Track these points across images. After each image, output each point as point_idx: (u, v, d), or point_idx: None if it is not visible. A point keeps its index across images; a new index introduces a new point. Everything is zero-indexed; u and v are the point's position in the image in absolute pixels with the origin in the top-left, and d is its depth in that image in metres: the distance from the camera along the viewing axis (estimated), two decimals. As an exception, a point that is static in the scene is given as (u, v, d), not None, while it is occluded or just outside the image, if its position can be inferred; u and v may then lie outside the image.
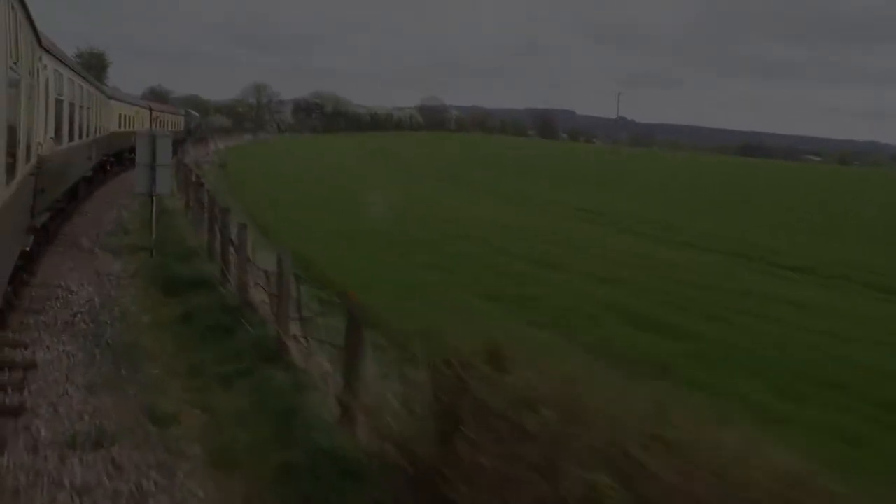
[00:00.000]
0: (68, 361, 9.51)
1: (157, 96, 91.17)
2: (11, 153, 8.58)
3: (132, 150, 46.13)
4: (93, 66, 72.80)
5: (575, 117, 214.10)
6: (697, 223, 36.76)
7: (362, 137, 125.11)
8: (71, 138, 19.04)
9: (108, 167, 34.35)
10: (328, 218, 27.87)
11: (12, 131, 8.62)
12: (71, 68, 19.22)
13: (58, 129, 16.58)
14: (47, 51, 14.22)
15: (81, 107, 21.43)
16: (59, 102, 16.61)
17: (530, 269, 19.56)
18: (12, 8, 8.44)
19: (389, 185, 46.20)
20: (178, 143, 65.02)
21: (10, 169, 8.48)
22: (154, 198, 17.94)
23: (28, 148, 11.05)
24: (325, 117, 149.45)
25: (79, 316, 11.63)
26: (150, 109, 53.05)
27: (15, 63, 8.73)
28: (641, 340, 13.40)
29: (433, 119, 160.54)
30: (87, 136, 23.36)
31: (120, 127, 37.45)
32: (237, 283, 12.25)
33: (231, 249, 13.35)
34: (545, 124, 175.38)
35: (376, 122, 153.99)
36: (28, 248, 12.64)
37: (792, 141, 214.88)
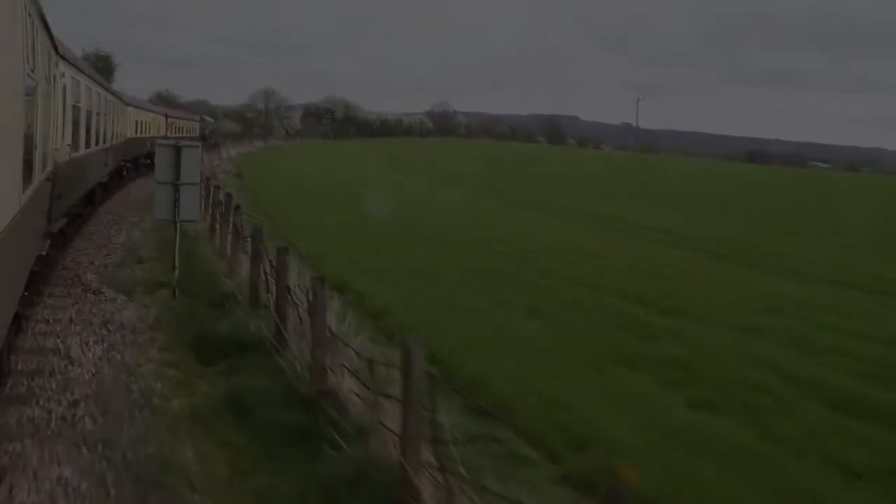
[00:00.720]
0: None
1: (164, 101, 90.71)
2: (28, 159, 8.47)
3: (148, 155, 46.26)
4: (99, 69, 72.34)
5: (580, 123, 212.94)
6: (788, 245, 32.39)
7: (378, 144, 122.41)
8: (87, 145, 18.97)
9: (125, 173, 34.34)
10: (387, 248, 23.31)
11: (29, 138, 8.53)
12: (88, 75, 19.15)
13: (75, 136, 16.51)
14: (64, 58, 14.23)
15: (98, 113, 21.34)
16: (76, 109, 16.54)
17: (651, 316, 15.62)
18: (29, 15, 8.35)
19: (439, 204, 42.01)
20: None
21: (27, 175, 8.38)
22: (178, 225, 13.93)
23: (44, 154, 11.00)
24: (336, 123, 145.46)
25: (81, 405, 7.94)
26: (166, 116, 52.69)
27: (32, 70, 8.64)
28: (863, 435, 9.61)
29: (442, 125, 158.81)
30: (104, 142, 23.25)
31: (136, 133, 37.32)
32: (311, 362, 8.24)
33: (288, 296, 9.95)
34: (554, 131, 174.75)
35: (386, 128, 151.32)
36: (44, 253, 12.58)
37: (795, 147, 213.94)
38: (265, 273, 11.77)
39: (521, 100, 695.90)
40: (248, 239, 14.14)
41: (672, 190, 65.75)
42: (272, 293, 11.17)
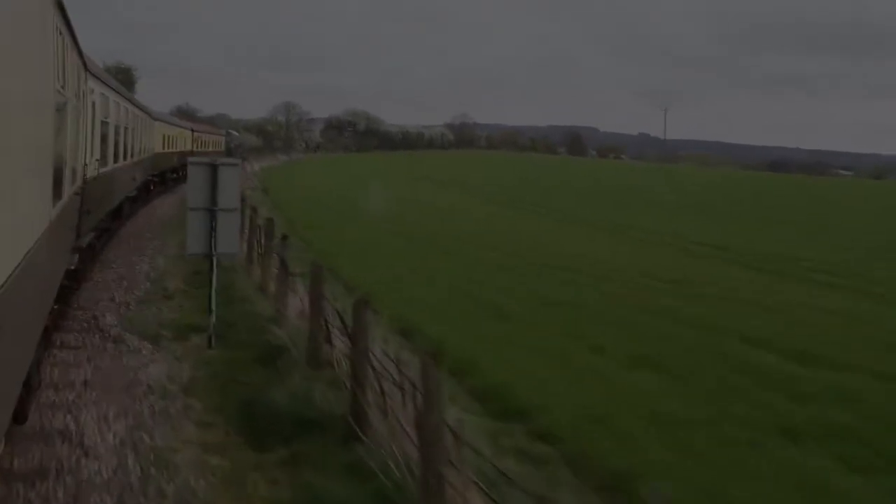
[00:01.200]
0: None
1: (184, 115, 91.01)
2: (58, 175, 8.45)
3: (174, 170, 46.77)
4: (120, 82, 71.65)
5: (598, 134, 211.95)
6: (856, 260, 29.75)
7: (401, 157, 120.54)
8: (116, 160, 18.93)
9: (152, 187, 34.46)
10: (440, 275, 20.51)
11: (58, 154, 8.50)
12: (116, 91, 19.21)
13: (103, 151, 16.51)
14: (94, 75, 14.28)
15: (126, 129, 21.34)
16: (104, 124, 16.55)
17: (785, 364, 12.68)
18: (60, 33, 8.36)
19: (481, 221, 38.51)
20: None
21: (57, 190, 8.35)
22: (214, 260, 11.49)
23: (74, 170, 10.99)
24: (357, 136, 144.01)
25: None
26: (192, 130, 52.52)
27: (62, 86, 8.64)
28: None
29: (463, 137, 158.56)
30: (132, 157, 23.27)
31: (163, 148, 37.24)
32: (419, 470, 5.55)
33: (369, 367, 7.26)
34: (574, 142, 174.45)
35: (408, 141, 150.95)
36: (73, 268, 12.57)
37: (816, 155, 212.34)
38: (327, 323, 9.31)
39: (540, 111, 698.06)
40: (297, 275, 12.23)
41: (711, 202, 62.95)
42: (334, 345, 9.05)
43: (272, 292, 13.73)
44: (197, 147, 52.92)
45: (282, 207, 36.48)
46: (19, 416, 7.09)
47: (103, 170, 16.30)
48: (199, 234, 11.03)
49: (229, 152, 66.69)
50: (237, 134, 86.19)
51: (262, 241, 16.20)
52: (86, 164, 13.23)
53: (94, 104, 14.49)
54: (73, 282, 13.29)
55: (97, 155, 15.22)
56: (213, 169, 11.01)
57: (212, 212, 10.90)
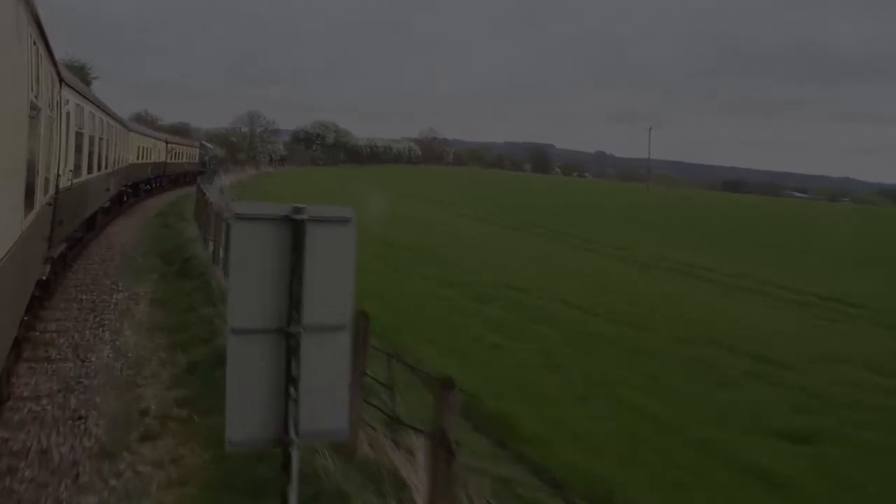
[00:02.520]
0: None
1: (143, 123, 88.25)
2: (30, 185, 8.17)
3: (148, 181, 46.24)
4: None
5: (554, 151, 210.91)
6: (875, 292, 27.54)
7: (376, 172, 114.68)
8: (90, 170, 18.52)
9: (125, 198, 33.78)
10: (592, 377, 14.22)
11: (31, 164, 8.23)
12: (92, 102, 18.79)
13: (77, 161, 16.10)
14: (69, 85, 13.93)
15: (101, 139, 20.89)
16: (79, 135, 16.16)
17: None
18: (34, 43, 8.10)
19: (550, 264, 31.53)
20: (194, 176, 64.75)
21: (29, 200, 8.07)
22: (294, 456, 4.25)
23: (47, 180, 10.65)
24: (325, 149, 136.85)
25: None
26: (167, 142, 51.73)
27: (36, 96, 8.36)
28: None
29: (431, 152, 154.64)
30: (106, 167, 22.78)
31: (138, 158, 36.75)
32: None
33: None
34: (539, 159, 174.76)
35: (375, 155, 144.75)
36: (45, 278, 12.24)
37: (768, 176, 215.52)
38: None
39: (497, 128, 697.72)
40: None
41: (718, 226, 60.34)
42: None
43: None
44: (171, 158, 52.22)
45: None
46: None
47: (77, 180, 15.89)
48: (257, 399, 4.25)
49: (204, 165, 65.70)
50: (212, 147, 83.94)
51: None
52: (59, 175, 12.86)
53: (69, 114, 14.13)
54: (44, 292, 12.93)
55: (71, 165, 14.84)
56: (297, 227, 4.21)
57: (292, 338, 4.24)
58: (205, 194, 24.84)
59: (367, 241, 28.38)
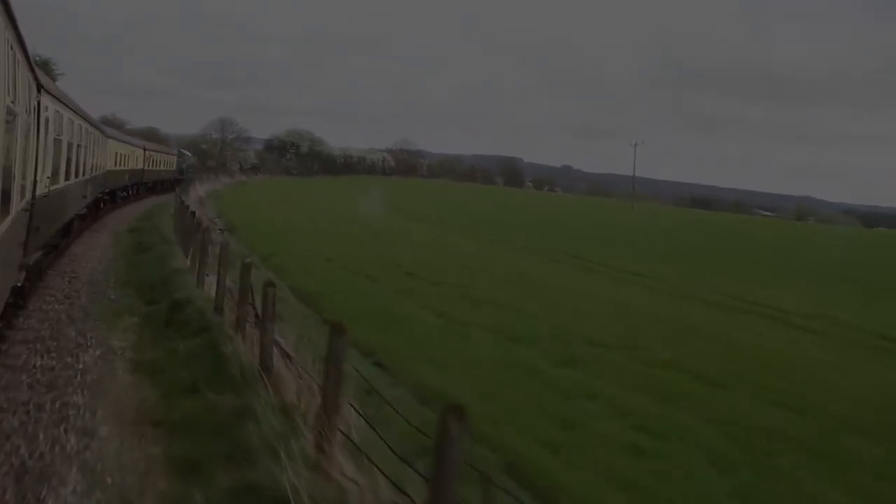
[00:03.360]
0: None
1: (111, 126, 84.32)
2: (5, 191, 7.88)
3: (125, 188, 45.49)
4: None
5: (522, 164, 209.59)
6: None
7: (355, 183, 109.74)
8: (67, 177, 18.11)
9: (102, 205, 33.15)
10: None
11: (7, 169, 7.93)
12: (71, 108, 18.37)
13: (55, 168, 15.70)
14: (48, 91, 13.61)
15: (79, 146, 20.45)
16: (57, 141, 15.77)
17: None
18: (11, 48, 7.85)
19: (562, 288, 28.09)
20: (171, 184, 63.87)
21: (4, 207, 7.76)
22: None
23: (23, 186, 10.33)
24: (300, 158, 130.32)
25: None
26: (144, 149, 51.19)
27: (12, 101, 8.08)
28: None
29: (404, 163, 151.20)
30: (84, 174, 22.30)
31: (115, 165, 36.14)
32: None
33: None
34: (511, 172, 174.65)
35: (349, 165, 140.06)
36: (20, 284, 11.90)
37: (732, 194, 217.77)
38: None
39: (467, 141, 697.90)
40: None
41: (756, 253, 56.43)
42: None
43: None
44: (148, 166, 51.51)
45: (286, 273, 23.75)
46: None
47: (55, 187, 15.52)
48: None
49: (181, 173, 64.87)
50: (190, 154, 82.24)
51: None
52: (36, 181, 12.49)
53: (47, 120, 13.75)
54: (18, 298, 12.56)
55: (49, 172, 14.46)
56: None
57: None
58: (191, 211, 22.12)
59: (403, 276, 25.61)
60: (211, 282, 14.37)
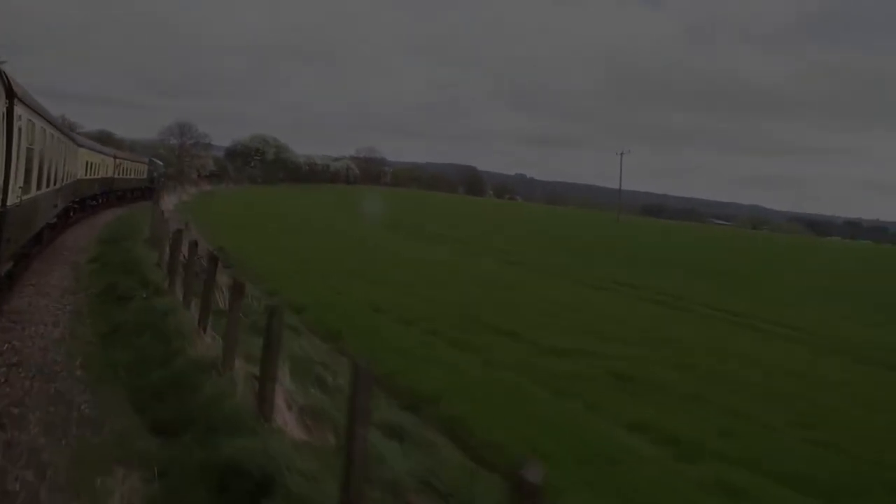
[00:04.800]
0: None
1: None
2: None
3: (95, 196, 44.15)
4: None
5: (476, 172, 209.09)
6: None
7: (329, 192, 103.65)
8: (39, 187, 17.31)
9: (72, 213, 32.06)
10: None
11: None
12: (44, 117, 17.59)
13: (27, 178, 14.99)
14: (21, 100, 12.95)
15: (52, 155, 19.67)
16: (29, 150, 15.05)
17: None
18: None
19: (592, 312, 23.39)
20: (142, 192, 62.20)
21: None
22: None
23: None
24: (265, 165, 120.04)
25: None
26: (115, 157, 49.64)
27: None
28: None
29: (368, 172, 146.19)
30: (55, 183, 21.45)
31: (86, 174, 35.09)
32: None
33: None
34: (473, 181, 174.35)
35: (314, 173, 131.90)
36: None
37: (685, 203, 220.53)
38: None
39: (419, 149, 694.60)
40: None
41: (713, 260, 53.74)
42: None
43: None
44: (119, 174, 50.22)
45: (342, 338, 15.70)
46: None
47: (26, 197, 14.80)
48: None
49: (152, 181, 63.43)
50: (161, 163, 79.87)
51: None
52: (8, 191, 11.84)
53: (20, 130, 13.04)
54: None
55: (21, 182, 13.74)
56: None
57: None
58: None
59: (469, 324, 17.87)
60: (243, 371, 8.96)
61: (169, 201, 44.61)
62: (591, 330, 19.54)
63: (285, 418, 7.69)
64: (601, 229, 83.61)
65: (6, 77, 11.85)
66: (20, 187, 13.93)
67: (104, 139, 78.84)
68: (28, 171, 15.16)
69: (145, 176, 63.82)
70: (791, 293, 36.41)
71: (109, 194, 47.27)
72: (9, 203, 12.28)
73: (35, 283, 17.03)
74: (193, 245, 15.05)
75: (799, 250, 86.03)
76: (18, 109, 12.84)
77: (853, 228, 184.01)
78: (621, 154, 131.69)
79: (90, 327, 13.23)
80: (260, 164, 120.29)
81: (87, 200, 37.42)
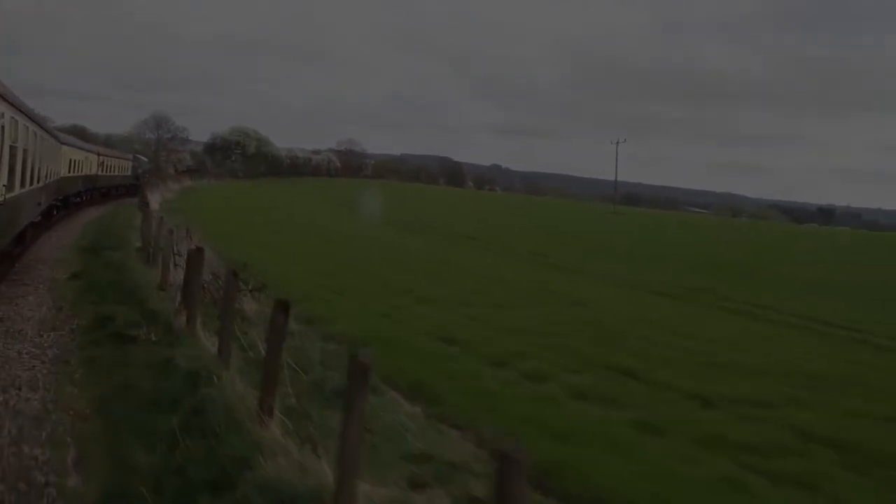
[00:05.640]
0: None
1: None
2: None
3: (78, 194, 43.22)
4: None
5: (451, 163, 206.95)
6: None
7: (318, 187, 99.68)
8: (23, 185, 16.77)
9: (55, 212, 31.20)
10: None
11: None
12: (27, 115, 17.00)
13: (10, 176, 14.46)
14: (5, 99, 12.51)
15: (35, 153, 19.05)
16: (13, 149, 14.53)
17: None
18: None
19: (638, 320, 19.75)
20: (126, 189, 61.06)
21: None
22: None
23: None
24: (246, 159, 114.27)
25: None
26: (98, 154, 48.53)
27: None
28: None
29: (349, 164, 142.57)
30: (39, 181, 20.82)
31: (69, 172, 34.20)
32: None
33: None
34: (453, 173, 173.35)
35: (295, 166, 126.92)
36: None
37: (659, 191, 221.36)
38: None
39: (396, 140, 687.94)
40: None
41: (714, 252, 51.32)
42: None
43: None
44: (102, 171, 49.19)
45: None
46: None
47: (10, 195, 14.30)
48: None
49: (137, 178, 62.28)
50: (146, 159, 77.70)
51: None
52: None
53: (3, 128, 12.53)
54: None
55: (4, 180, 13.23)
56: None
57: None
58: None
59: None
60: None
61: (153, 200, 39.58)
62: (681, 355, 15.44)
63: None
64: (608, 226, 76.66)
65: None
66: (3, 185, 13.51)
67: (77, 134, 73.17)
68: (11, 169, 14.74)
69: (129, 173, 62.71)
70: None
71: (93, 191, 46.30)
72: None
73: (3, 314, 12.82)
74: (198, 257, 11.61)
75: (805, 239, 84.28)
76: (1, 107, 12.39)
77: (826, 215, 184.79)
78: (616, 143, 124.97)
79: (83, 389, 8.96)
80: (241, 157, 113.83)
81: (70, 198, 36.56)
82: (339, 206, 68.15)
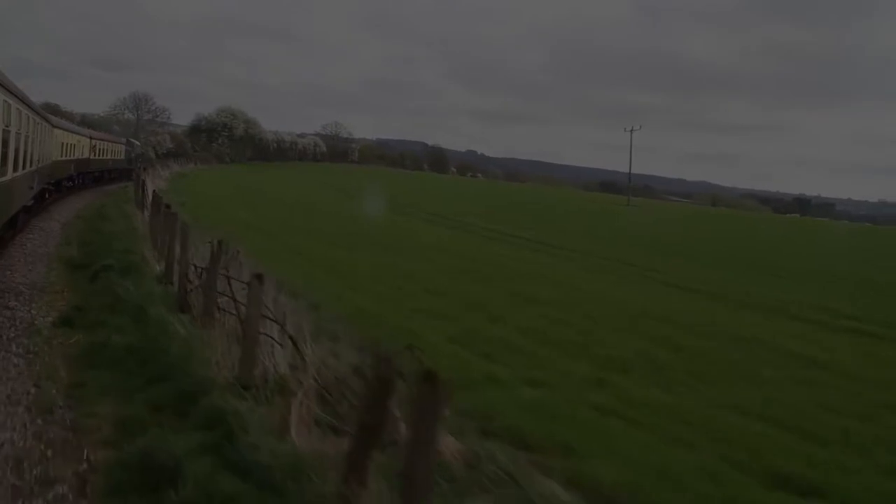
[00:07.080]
0: None
1: None
2: None
3: (70, 178, 42.01)
4: None
5: (427, 149, 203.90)
6: None
7: (318, 170, 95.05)
8: (15, 169, 16.02)
9: (48, 195, 30.24)
10: None
11: None
12: (20, 98, 16.21)
13: (3, 160, 13.76)
14: None
15: (27, 137, 18.24)
16: (5, 132, 13.82)
17: None
18: None
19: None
20: (119, 173, 59.67)
21: None
22: None
23: None
24: (233, 142, 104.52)
25: None
26: (90, 138, 47.00)
27: None
28: None
29: (335, 148, 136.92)
30: (31, 165, 19.97)
31: (62, 155, 33.14)
32: None
33: None
34: (437, 159, 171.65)
35: (282, 150, 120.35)
36: None
37: (636, 178, 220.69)
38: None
39: (369, 125, 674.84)
40: None
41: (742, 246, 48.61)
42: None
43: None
44: (94, 155, 47.91)
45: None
46: None
47: (2, 179, 13.61)
48: None
49: (130, 162, 60.90)
50: (138, 143, 75.36)
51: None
52: None
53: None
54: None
55: (-4, 165, 12.44)
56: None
57: None
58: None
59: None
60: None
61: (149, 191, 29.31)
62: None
63: None
64: (631, 218, 69.54)
65: None
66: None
67: (52, 112, 72.36)
68: (3, 153, 14.01)
69: (122, 157, 61.32)
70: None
71: (86, 175, 45.10)
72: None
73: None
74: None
75: (811, 232, 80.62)
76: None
77: (804, 205, 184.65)
78: (631, 130, 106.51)
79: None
80: (227, 140, 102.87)
81: (62, 182, 35.50)
82: (350, 197, 60.58)
